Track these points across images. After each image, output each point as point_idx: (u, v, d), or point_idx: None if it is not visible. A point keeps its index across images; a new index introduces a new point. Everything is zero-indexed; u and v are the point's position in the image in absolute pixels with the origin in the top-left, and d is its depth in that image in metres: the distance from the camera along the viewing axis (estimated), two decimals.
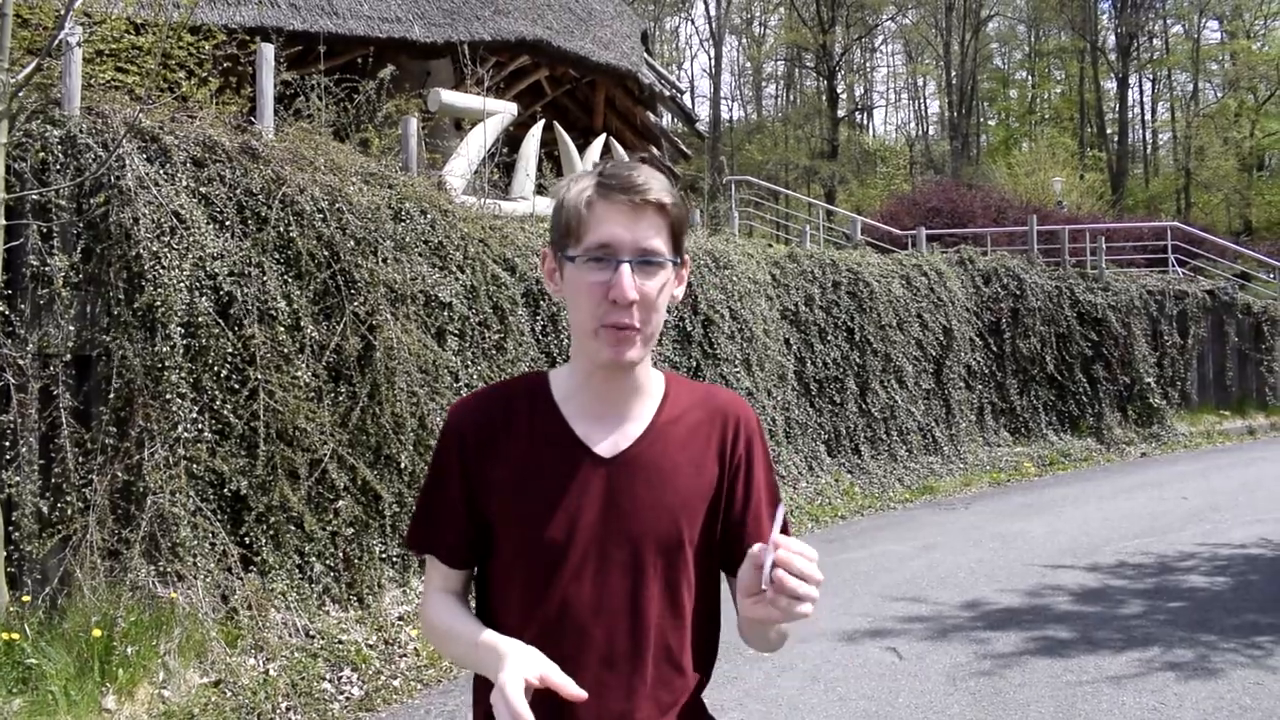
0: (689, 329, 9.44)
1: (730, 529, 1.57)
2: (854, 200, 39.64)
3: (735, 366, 9.85)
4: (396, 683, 5.42)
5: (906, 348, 12.47)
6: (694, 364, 9.41)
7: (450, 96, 9.69)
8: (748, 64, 54.08)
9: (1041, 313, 14.38)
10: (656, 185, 1.43)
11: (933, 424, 12.58)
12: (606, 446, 1.51)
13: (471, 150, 8.91)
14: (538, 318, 7.77)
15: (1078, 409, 14.53)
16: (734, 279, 10.22)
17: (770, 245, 12.88)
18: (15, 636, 4.86)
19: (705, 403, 1.58)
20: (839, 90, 46.14)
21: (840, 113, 46.27)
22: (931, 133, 52.69)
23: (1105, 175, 40.78)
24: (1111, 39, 45.43)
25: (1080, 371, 14.63)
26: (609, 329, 1.43)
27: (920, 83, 53.03)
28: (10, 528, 5.11)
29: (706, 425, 1.56)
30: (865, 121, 53.56)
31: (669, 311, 1.57)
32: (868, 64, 52.15)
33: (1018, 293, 14.23)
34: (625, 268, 1.41)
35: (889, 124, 58.04)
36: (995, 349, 13.91)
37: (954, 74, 44.91)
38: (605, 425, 1.52)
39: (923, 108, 54.51)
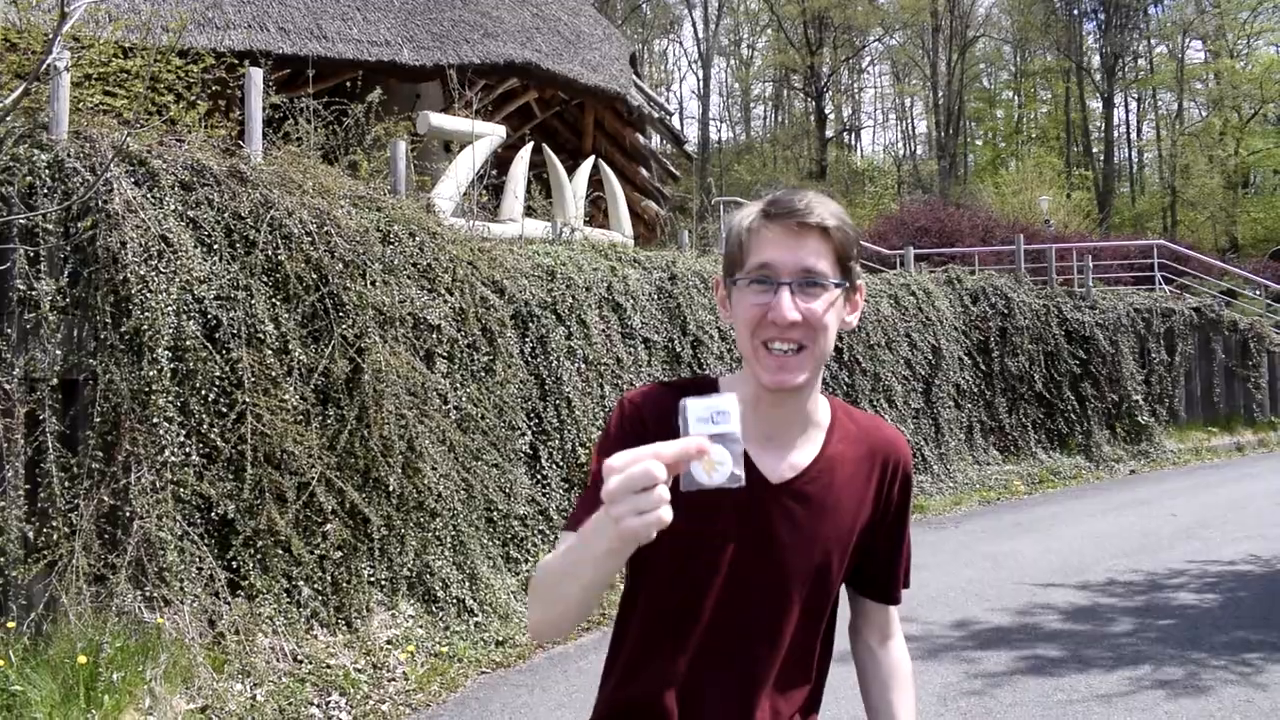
0: (678, 349, 9.44)
1: (875, 567, 1.62)
2: None
3: None
4: (385, 707, 5.39)
5: (895, 367, 12.49)
6: None
7: (439, 119, 9.72)
8: (736, 85, 54.40)
9: (1029, 331, 14.43)
10: (820, 209, 1.43)
11: (922, 443, 12.58)
12: (773, 472, 1.50)
13: (460, 172, 8.93)
14: (527, 339, 7.77)
15: (1066, 427, 14.56)
16: None
17: None
18: (0, 663, 4.82)
19: (870, 437, 1.57)
20: (827, 111, 46.40)
21: (828, 133, 46.51)
22: (919, 152, 52.98)
23: (1092, 194, 41.05)
24: (1097, 59, 45.85)
25: (1069, 389, 14.67)
26: (770, 354, 1.42)
27: (908, 103, 53.39)
28: None
29: (868, 462, 1.55)
30: (853, 142, 53.85)
31: (838, 337, 1.55)
32: (855, 85, 52.49)
33: (1006, 311, 14.28)
34: (785, 289, 1.40)
35: (877, 144, 58.34)
36: (984, 368, 13.94)
37: (941, 94, 45.22)
38: (773, 450, 1.50)
39: (910, 128, 54.86)
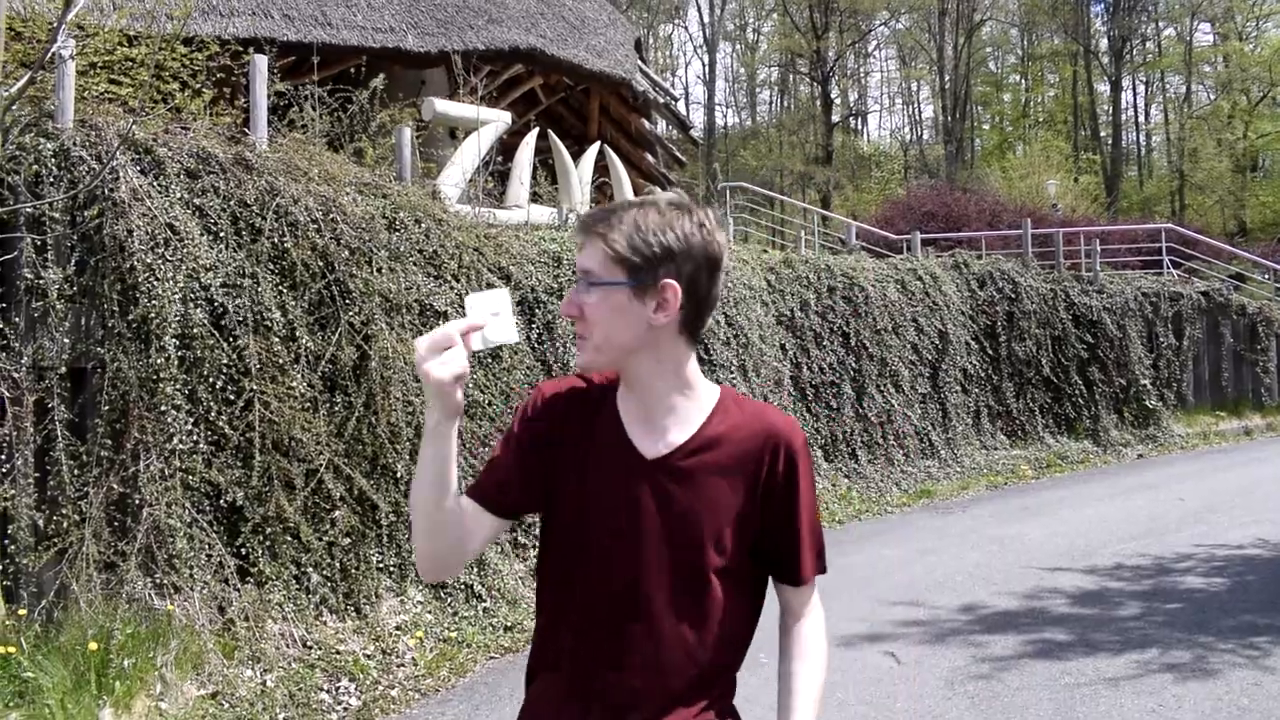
0: None
1: (772, 548, 1.68)
2: (849, 205, 39.69)
3: (731, 372, 9.85)
4: (394, 693, 5.41)
5: (902, 352, 12.48)
6: None
7: (444, 105, 9.69)
8: (742, 70, 54.19)
9: (1037, 315, 14.40)
10: (603, 220, 1.60)
11: (930, 428, 12.58)
12: (649, 450, 1.64)
13: (466, 159, 8.91)
14: (533, 326, 7.77)
15: (1074, 411, 14.54)
16: (729, 285, 10.23)
17: (766, 251, 12.89)
18: (11, 650, 4.85)
19: (755, 421, 1.66)
20: (833, 95, 46.20)
21: (835, 118, 46.32)
22: (926, 137, 52.79)
23: (1099, 178, 40.85)
24: (1104, 42, 45.57)
25: (1076, 374, 14.64)
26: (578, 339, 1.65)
27: (914, 87, 53.17)
28: (6, 541, 5.11)
29: (750, 444, 1.64)
30: (860, 126, 53.65)
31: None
32: (861, 69, 52.25)
33: (1013, 296, 14.25)
34: (573, 288, 1.62)
35: (883, 129, 58.13)
36: (991, 352, 13.92)
37: (948, 78, 45.01)
38: (653, 429, 1.64)
39: (917, 112, 54.65)
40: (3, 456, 5.14)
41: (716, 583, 1.64)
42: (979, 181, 34.44)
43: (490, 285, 3.37)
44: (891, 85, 55.70)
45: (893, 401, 12.09)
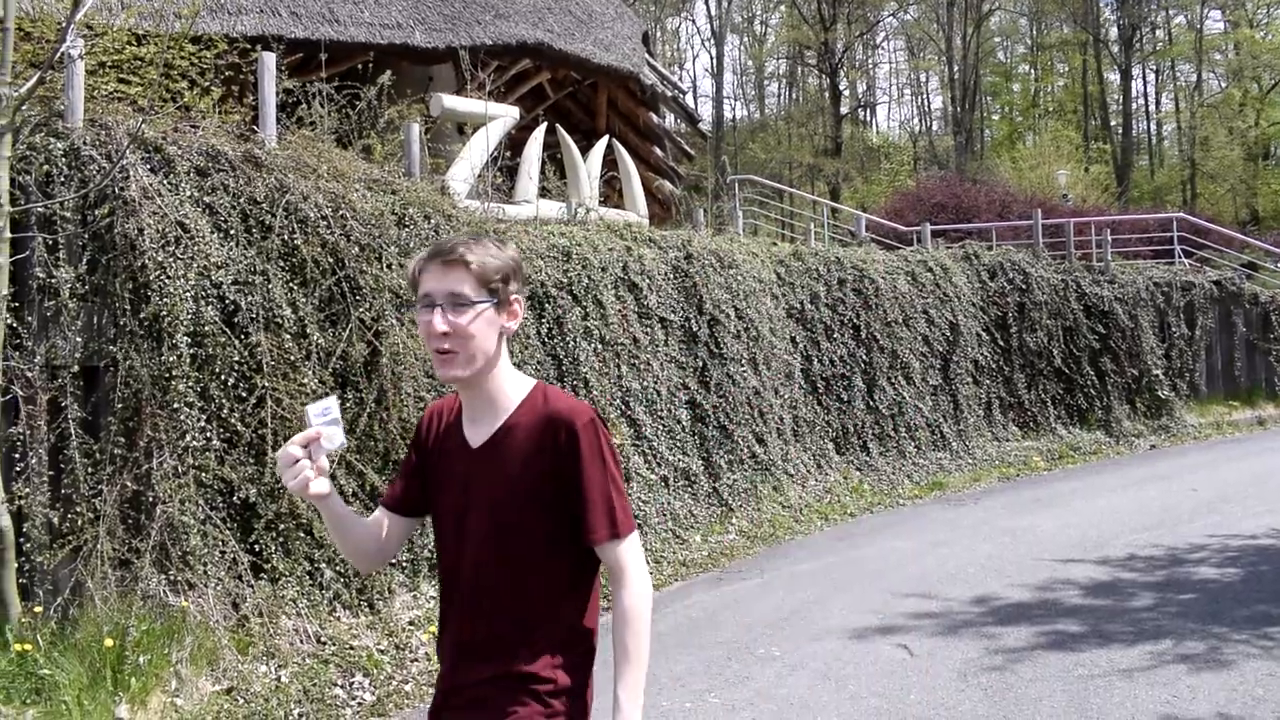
0: (694, 329, 9.44)
1: (571, 515, 1.97)
2: (858, 197, 39.61)
3: (742, 365, 9.84)
4: (409, 688, 5.43)
5: (913, 344, 12.46)
6: (700, 363, 9.41)
7: (452, 101, 9.69)
8: (749, 62, 54.07)
9: (1048, 306, 14.35)
10: (462, 249, 1.94)
11: (941, 420, 12.56)
12: (475, 441, 2.03)
13: (474, 154, 8.91)
14: (543, 320, 7.78)
15: (1086, 402, 14.50)
16: (739, 278, 10.22)
17: (775, 244, 12.87)
18: (28, 647, 4.87)
19: (548, 409, 2.00)
20: (841, 87, 46.07)
21: (843, 110, 46.21)
22: (935, 128, 52.60)
23: (1110, 168, 40.69)
24: (1114, 31, 45.35)
25: (1088, 364, 14.59)
26: (435, 353, 1.96)
27: (923, 78, 52.97)
28: (21, 539, 5.13)
29: (540, 428, 1.98)
30: (869, 118, 53.49)
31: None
32: (870, 60, 52.08)
33: (1024, 287, 14.20)
34: (438, 309, 1.92)
35: (893, 120, 58.00)
36: (1002, 343, 13.88)
37: (956, 69, 44.85)
38: (478, 425, 2.04)
39: (926, 103, 54.45)
40: (17, 455, 5.17)
41: (532, 547, 1.97)
42: (989, 172, 34.34)
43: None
44: (900, 76, 55.54)
45: (904, 394, 12.07)
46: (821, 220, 19.01)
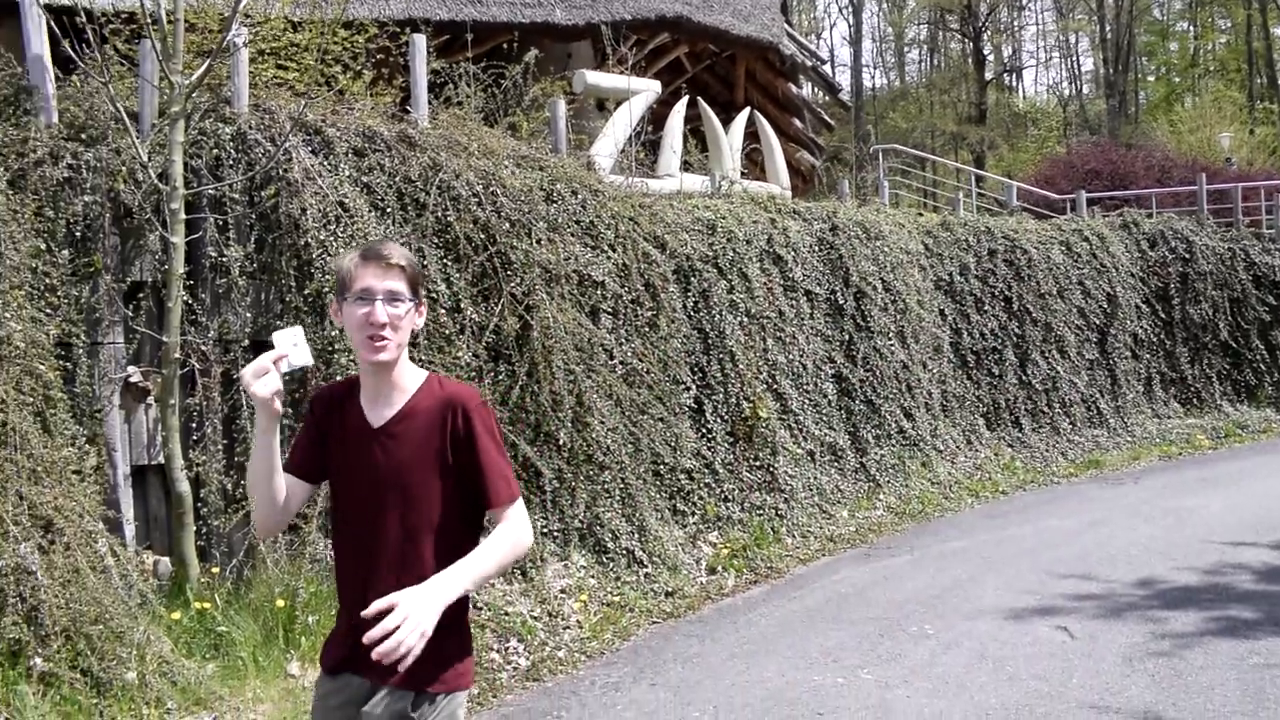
0: (840, 302, 9.30)
1: (470, 484, 2.26)
2: (1004, 165, 38.27)
3: (889, 339, 9.65)
4: (561, 654, 5.53)
5: (1068, 316, 12.00)
6: (846, 337, 9.27)
7: (595, 77, 9.74)
8: (889, 29, 52.72)
9: (1213, 276, 13.62)
10: (397, 255, 2.26)
11: (1097, 395, 12.07)
12: (375, 420, 2.30)
13: (617, 129, 8.94)
14: (689, 294, 7.78)
15: (1255, 378, 13.72)
16: (886, 250, 10.01)
17: (921, 214, 12.55)
18: (207, 606, 5.15)
19: (445, 394, 2.30)
20: (985, 52, 44.48)
21: (988, 75, 44.62)
22: (1086, 91, 50.35)
23: (1278, 129, 38.21)
24: None
25: (1257, 338, 13.80)
26: (368, 339, 2.22)
27: (1072, 39, 50.69)
28: (199, 504, 5.42)
29: (440, 410, 2.27)
30: (1014, 83, 51.54)
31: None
32: (1015, 23, 50.07)
33: (1187, 256, 13.50)
34: (379, 302, 2.22)
35: (1040, 84, 55.77)
36: (1163, 316, 13.25)
37: (1108, 28, 42.77)
38: (377, 406, 2.31)
39: (1076, 66, 52.12)
40: (194, 425, 5.45)
41: (433, 512, 2.25)
42: (1145, 136, 32.68)
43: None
44: (1048, 38, 53.25)
45: (1058, 368, 11.65)
46: (968, 189, 18.44)
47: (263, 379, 2.15)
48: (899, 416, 9.54)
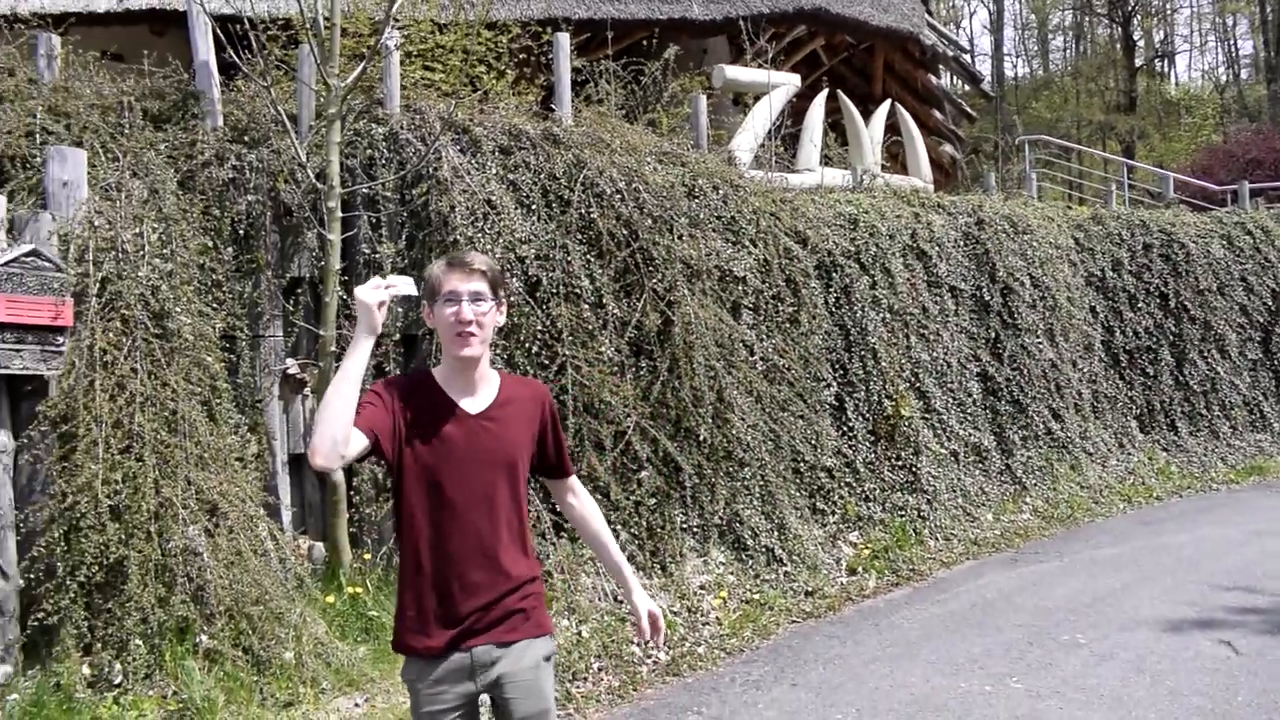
0: (986, 298, 9.04)
1: (548, 458, 2.68)
2: (1155, 155, 36.61)
3: (1037, 336, 9.34)
4: (701, 650, 5.52)
5: (1229, 314, 11.40)
6: (992, 334, 9.01)
7: (734, 72, 9.69)
8: (1031, 16, 50.98)
9: None
10: (479, 261, 2.53)
11: (1261, 398, 11.43)
12: (471, 409, 2.54)
13: (757, 124, 8.89)
14: (831, 289, 7.67)
15: None
16: (1034, 244, 9.70)
17: (1071, 207, 12.10)
18: (358, 591, 5.33)
19: (527, 387, 2.67)
20: (1135, 37, 42.59)
21: (1137, 61, 42.73)
22: (1244, 76, 47.76)
23: None
24: None
25: None
26: (456, 336, 2.48)
27: (1229, 22, 48.09)
28: (351, 492, 5.61)
29: (529, 400, 2.63)
30: (1166, 69, 49.24)
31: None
32: (1167, 6, 47.80)
33: None
34: (464, 302, 2.47)
35: (1194, 70, 53.14)
36: None
37: (1269, 9, 40.43)
38: (471, 396, 2.55)
39: (1233, 50, 49.46)
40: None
41: (514, 485, 2.55)
42: None
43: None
44: (1203, 21, 50.66)
45: (1218, 369, 11.07)
46: (1119, 180, 17.69)
47: (373, 289, 2.42)
48: (1047, 417, 9.22)
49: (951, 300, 8.73)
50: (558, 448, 2.70)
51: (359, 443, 2.39)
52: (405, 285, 2.48)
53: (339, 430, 2.31)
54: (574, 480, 2.80)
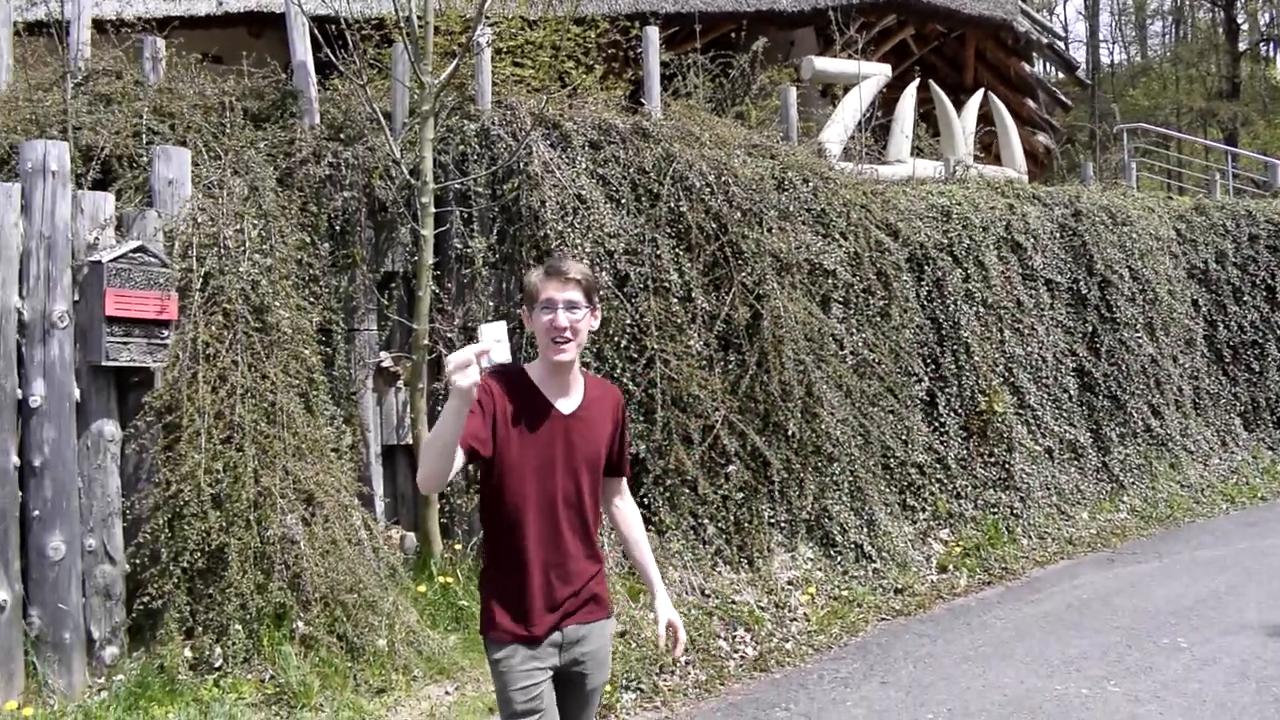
0: (1083, 291, 8.82)
1: (612, 458, 2.81)
2: (1260, 143, 35.24)
3: (1136, 330, 9.08)
4: (788, 646, 5.49)
5: None
6: (1089, 328, 8.79)
7: (823, 63, 9.58)
8: (1129, 1, 49.50)
9: None
10: (574, 270, 2.63)
11: None
12: (564, 409, 2.68)
13: (846, 115, 8.78)
14: (922, 283, 7.56)
15: None
16: (1133, 236, 9.43)
17: (1171, 197, 11.72)
18: (449, 580, 5.41)
19: (606, 390, 2.82)
20: (1239, 20, 41.04)
21: (1241, 45, 41.16)
22: None
23: None
24: None
25: None
26: (553, 342, 2.60)
27: None
28: None
29: (608, 401, 2.79)
30: (1272, 53, 47.34)
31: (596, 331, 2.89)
32: None
33: None
34: (560, 309, 2.59)
35: None
36: None
37: None
38: (564, 396, 2.69)
39: None
40: (440, 408, 5.71)
41: (595, 479, 2.73)
42: None
43: (504, 317, 5.65)
44: None
45: None
46: (1222, 169, 17.08)
47: (465, 370, 2.33)
48: (1146, 414, 8.96)
49: (1047, 293, 8.53)
50: (621, 449, 2.87)
51: (459, 462, 2.53)
52: (500, 352, 2.42)
53: (441, 469, 2.47)
54: (624, 482, 2.96)
